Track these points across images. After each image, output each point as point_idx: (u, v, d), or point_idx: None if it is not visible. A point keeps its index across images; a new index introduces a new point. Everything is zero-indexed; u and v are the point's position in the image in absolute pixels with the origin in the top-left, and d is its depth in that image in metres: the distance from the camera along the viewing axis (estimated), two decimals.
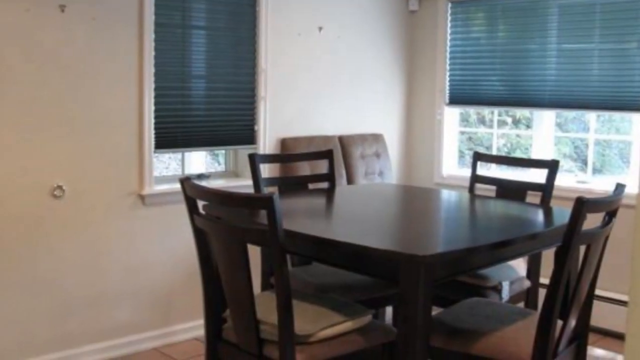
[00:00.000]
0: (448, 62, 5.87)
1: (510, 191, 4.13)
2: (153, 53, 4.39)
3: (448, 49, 5.86)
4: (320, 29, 5.36)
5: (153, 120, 4.44)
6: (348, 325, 2.87)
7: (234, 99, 4.90)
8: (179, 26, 4.56)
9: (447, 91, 5.89)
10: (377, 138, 5.78)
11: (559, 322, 2.86)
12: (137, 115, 4.38)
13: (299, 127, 5.29)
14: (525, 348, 2.83)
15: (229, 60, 4.84)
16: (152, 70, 4.40)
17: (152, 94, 4.42)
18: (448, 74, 5.88)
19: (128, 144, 4.37)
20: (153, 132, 4.45)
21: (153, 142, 4.46)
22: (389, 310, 4.15)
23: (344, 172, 5.43)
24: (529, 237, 3.16)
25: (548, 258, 3.20)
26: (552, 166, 4.06)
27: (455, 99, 5.86)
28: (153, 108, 4.43)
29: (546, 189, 4.02)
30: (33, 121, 3.98)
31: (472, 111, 6.06)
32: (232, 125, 4.89)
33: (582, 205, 2.66)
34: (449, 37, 5.85)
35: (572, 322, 2.98)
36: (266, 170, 4.85)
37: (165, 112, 4.53)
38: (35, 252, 4.05)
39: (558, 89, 5.19)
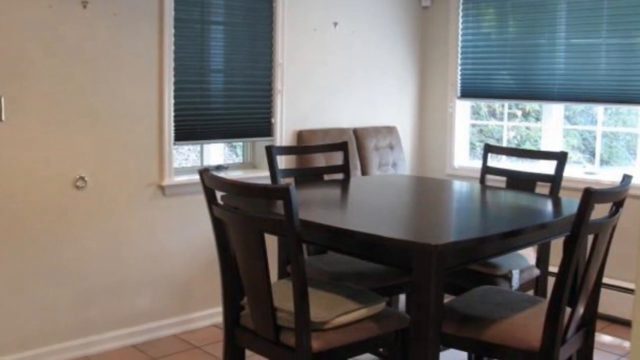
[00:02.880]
0: (459, 56, 5.93)
1: (520, 182, 4.18)
2: (173, 48, 4.48)
3: (459, 43, 5.92)
4: (335, 24, 5.43)
5: (173, 113, 4.53)
6: (362, 312, 2.92)
7: (252, 92, 4.98)
8: (198, 22, 4.65)
9: (459, 85, 5.96)
10: (390, 130, 5.84)
11: (568, 310, 2.90)
12: (157, 108, 4.47)
13: (315, 119, 5.37)
14: (534, 334, 2.88)
15: (247, 55, 4.92)
16: (172, 64, 4.49)
17: (172, 88, 4.51)
18: (459, 68, 5.94)
19: (148, 136, 4.46)
20: (173, 124, 4.54)
21: (173, 135, 4.55)
22: (402, 297, 4.19)
23: (358, 163, 5.50)
24: (538, 227, 3.20)
25: (557, 247, 3.25)
26: (561, 158, 4.10)
27: (467, 93, 5.93)
28: (173, 101, 4.52)
29: (555, 180, 4.06)
30: (56, 114, 4.07)
31: (482, 104, 6.13)
32: (249, 118, 4.97)
33: (590, 195, 2.71)
34: (460, 32, 5.91)
35: (580, 310, 3.03)
36: (283, 162, 4.92)
37: (185, 105, 4.61)
38: (58, 242, 4.15)
39: (566, 83, 5.25)
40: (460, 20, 5.89)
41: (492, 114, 6.18)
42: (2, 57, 3.85)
